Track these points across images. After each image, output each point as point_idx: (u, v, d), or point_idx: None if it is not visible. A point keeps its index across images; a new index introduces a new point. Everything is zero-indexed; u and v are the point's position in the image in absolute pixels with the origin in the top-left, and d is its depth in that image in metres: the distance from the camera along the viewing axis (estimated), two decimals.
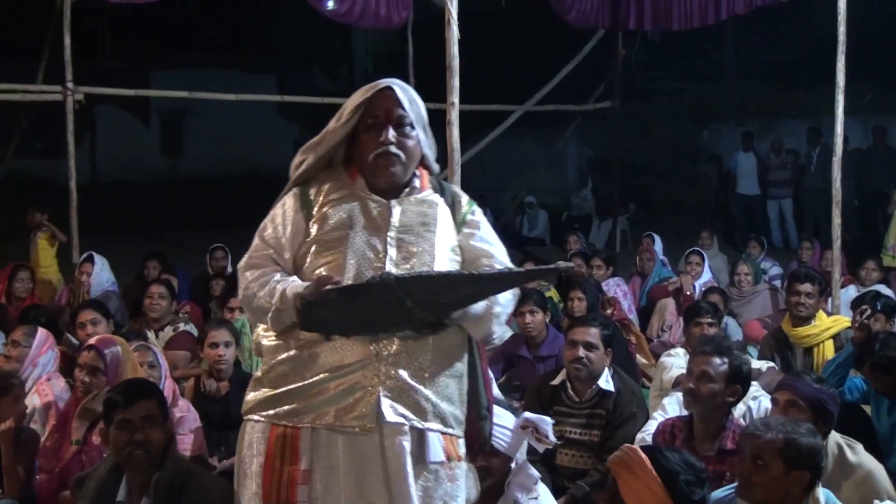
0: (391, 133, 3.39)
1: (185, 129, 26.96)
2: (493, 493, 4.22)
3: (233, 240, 12.20)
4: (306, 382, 3.30)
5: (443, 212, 3.52)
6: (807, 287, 6.74)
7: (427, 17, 12.32)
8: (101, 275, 9.33)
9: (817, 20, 15.57)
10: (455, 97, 6.10)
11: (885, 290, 8.78)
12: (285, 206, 3.51)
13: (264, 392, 3.39)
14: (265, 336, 3.48)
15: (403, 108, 3.42)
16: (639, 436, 5.22)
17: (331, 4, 11.66)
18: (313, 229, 3.42)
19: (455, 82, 6.10)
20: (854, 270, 9.92)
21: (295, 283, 3.32)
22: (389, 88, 3.42)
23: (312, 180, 3.53)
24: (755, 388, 5.40)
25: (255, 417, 3.39)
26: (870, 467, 4.42)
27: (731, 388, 4.59)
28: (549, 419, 4.22)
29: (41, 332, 6.13)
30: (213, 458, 5.64)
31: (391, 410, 3.25)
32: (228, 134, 24.42)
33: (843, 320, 6.90)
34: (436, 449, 3.33)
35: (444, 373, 3.37)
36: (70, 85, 10.50)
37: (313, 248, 3.40)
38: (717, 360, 4.59)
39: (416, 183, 3.53)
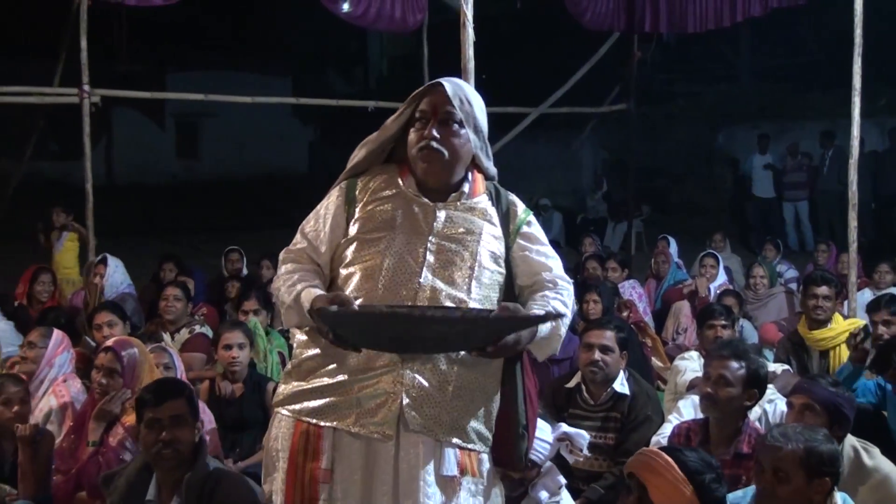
0: (435, 130, 3.31)
1: (200, 132, 27.04)
2: (517, 498, 4.22)
3: (248, 242, 12.27)
4: (332, 381, 3.27)
5: (492, 221, 3.43)
6: (823, 290, 6.72)
7: (442, 20, 12.36)
8: (114, 276, 9.35)
9: (833, 22, 15.57)
10: None
11: None
12: (329, 200, 3.49)
13: (293, 386, 3.37)
14: (298, 329, 3.46)
15: (452, 106, 3.33)
16: (654, 439, 5.21)
17: (346, 7, 11.68)
18: (353, 228, 3.38)
19: (470, 85, 6.10)
20: (870, 273, 9.87)
21: (310, 290, 3.29)
22: (441, 85, 3.36)
23: (364, 174, 3.50)
24: (771, 391, 5.38)
25: (283, 412, 3.37)
26: (886, 471, 4.39)
27: (748, 392, 4.58)
28: (586, 434, 4.23)
29: (56, 334, 6.16)
30: (227, 459, 5.66)
31: (412, 420, 3.21)
32: (244, 136, 24.48)
33: (859, 323, 6.87)
34: (450, 463, 3.27)
35: (470, 387, 3.30)
36: (86, 87, 10.54)
37: (353, 246, 3.36)
38: (735, 364, 4.58)
39: (467, 188, 3.44)
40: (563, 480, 4.30)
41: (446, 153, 3.33)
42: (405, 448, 3.22)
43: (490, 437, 3.39)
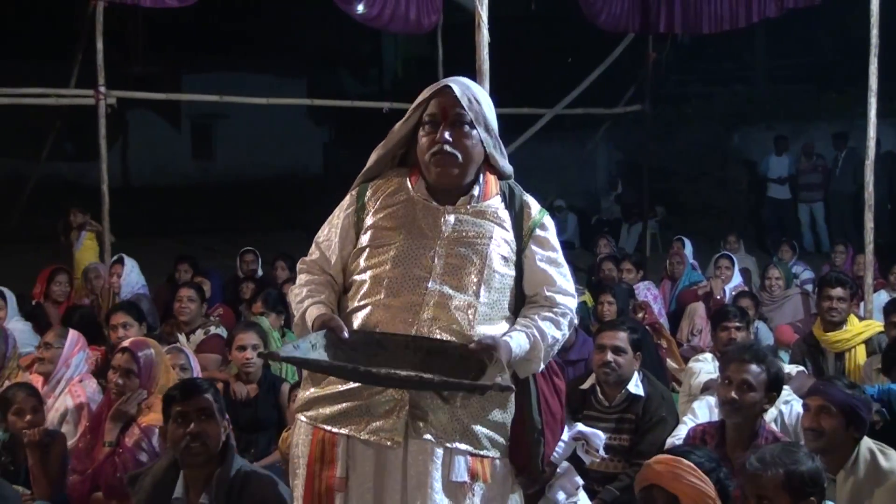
0: (447, 133, 3.27)
1: (215, 133, 27.14)
2: (534, 494, 4.22)
3: (263, 243, 12.30)
4: (344, 388, 3.27)
5: (504, 224, 3.40)
6: (838, 291, 6.69)
7: (457, 21, 12.34)
8: (130, 276, 9.39)
9: (849, 22, 15.49)
10: None
11: None
12: (341, 209, 3.50)
13: (310, 392, 3.38)
14: None
15: (462, 107, 3.29)
16: (669, 440, 5.20)
17: (360, 8, 11.69)
18: (364, 237, 3.38)
19: (485, 86, 6.08)
20: (886, 275, 9.84)
21: (314, 308, 3.32)
22: (448, 87, 3.33)
23: (376, 178, 3.49)
24: (786, 392, 5.36)
25: (302, 418, 3.38)
26: None
27: (768, 396, 4.56)
28: (602, 434, 4.21)
29: (72, 334, 6.19)
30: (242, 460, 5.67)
31: (421, 427, 3.21)
32: (258, 137, 24.54)
33: (874, 325, 6.85)
34: (459, 469, 3.24)
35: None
36: (102, 89, 10.59)
37: (364, 254, 3.36)
38: (757, 369, 4.54)
39: (477, 190, 3.40)
40: (580, 481, 4.30)
41: (460, 156, 3.30)
42: (413, 455, 3.21)
43: (505, 442, 3.37)
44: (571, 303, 3.44)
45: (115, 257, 9.83)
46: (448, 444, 3.23)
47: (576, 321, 3.54)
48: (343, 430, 3.25)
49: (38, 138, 12.64)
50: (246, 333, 6.35)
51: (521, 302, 3.43)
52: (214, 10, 19.61)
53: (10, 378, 6.28)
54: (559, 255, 3.48)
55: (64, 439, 5.26)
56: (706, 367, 6.24)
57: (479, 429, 3.28)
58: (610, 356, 5.46)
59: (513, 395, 3.37)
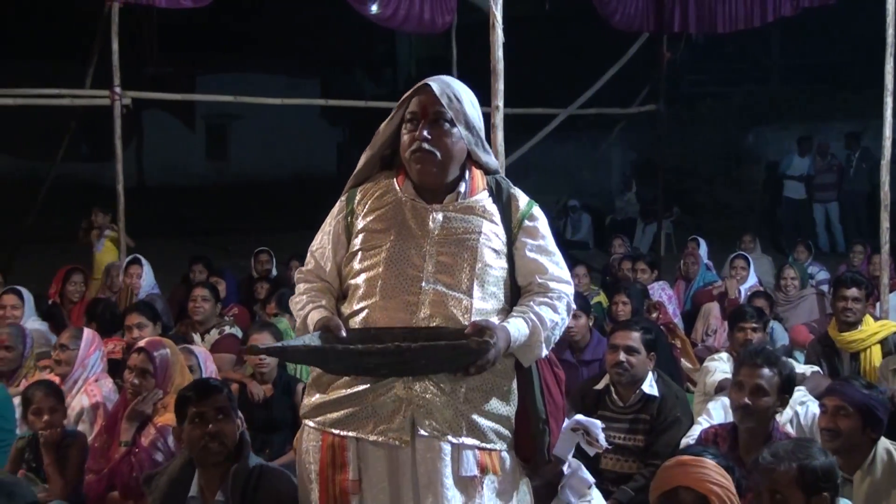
0: (425, 131, 3.32)
1: (230, 133, 27.19)
2: (546, 495, 4.21)
3: (277, 243, 12.32)
4: (349, 392, 3.30)
5: (492, 217, 3.43)
6: (853, 292, 6.67)
7: (471, 21, 12.34)
8: (146, 277, 9.43)
9: (865, 22, 15.43)
10: (500, 101, 6.09)
11: None
12: (332, 216, 3.54)
13: (316, 398, 3.40)
14: None
15: (441, 105, 3.33)
16: (683, 441, 5.19)
17: (375, 9, 11.70)
18: (356, 240, 3.42)
19: (500, 86, 6.09)
20: None
21: (314, 312, 3.37)
22: (428, 85, 3.36)
23: (366, 181, 3.53)
24: (802, 392, 5.35)
25: (310, 423, 3.41)
26: None
27: (781, 398, 4.55)
28: (599, 422, 4.19)
29: (87, 333, 6.22)
30: None
31: (426, 424, 3.23)
32: (273, 138, 24.58)
33: (890, 325, 6.82)
34: (469, 463, 3.28)
35: (483, 388, 3.32)
36: (118, 90, 10.60)
37: (357, 258, 3.40)
38: (769, 372, 4.54)
39: (464, 187, 3.44)
40: (591, 479, 4.28)
41: (439, 154, 3.34)
42: (422, 452, 3.24)
43: (510, 435, 3.41)
44: (567, 288, 3.47)
45: (129, 257, 9.85)
46: (454, 440, 3.26)
47: (573, 306, 3.55)
48: (352, 433, 3.28)
49: (54, 139, 12.66)
50: (260, 334, 6.36)
51: (517, 294, 3.46)
52: (229, 11, 19.64)
53: (28, 377, 6.31)
54: (550, 244, 3.50)
55: (84, 439, 5.29)
56: (722, 365, 6.23)
57: (483, 422, 3.31)
58: (622, 356, 5.45)
59: (515, 387, 3.43)
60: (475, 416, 3.29)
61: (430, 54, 24.21)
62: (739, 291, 9.21)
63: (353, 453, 3.28)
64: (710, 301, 9.21)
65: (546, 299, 3.39)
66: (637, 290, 8.53)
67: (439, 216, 3.38)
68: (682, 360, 7.61)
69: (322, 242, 3.53)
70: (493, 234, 3.40)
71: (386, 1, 11.67)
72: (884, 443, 4.43)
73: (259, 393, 6.22)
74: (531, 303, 3.38)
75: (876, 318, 7.20)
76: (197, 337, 7.64)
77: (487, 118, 6.16)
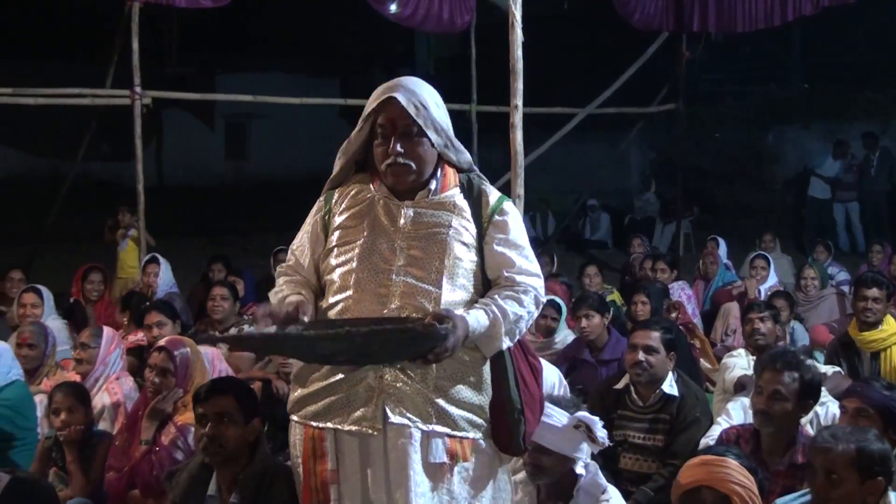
0: (398, 145, 3.41)
1: (249, 133, 27.27)
2: (556, 494, 4.21)
3: None
4: (325, 383, 3.42)
5: (462, 212, 3.51)
6: (874, 292, 6.64)
7: (490, 20, 12.34)
8: (164, 275, 9.47)
9: (886, 20, 15.36)
10: (518, 100, 6.10)
11: None
12: (311, 215, 3.67)
13: (297, 392, 3.53)
14: None
15: (409, 117, 3.40)
16: (703, 441, 5.18)
17: (394, 8, 11.71)
18: (332, 237, 3.53)
19: (519, 85, 6.10)
20: None
21: (294, 296, 3.47)
22: (393, 98, 3.42)
23: (343, 183, 3.64)
24: (822, 393, 5.32)
25: (294, 418, 3.53)
26: None
27: (802, 405, 4.50)
28: (597, 419, 4.19)
29: (107, 331, 6.27)
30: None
31: (396, 413, 3.33)
32: (292, 137, 24.63)
33: None
34: (438, 450, 3.37)
35: (453, 377, 3.41)
36: (138, 89, 10.66)
37: (332, 254, 3.51)
38: (787, 378, 4.49)
39: (434, 184, 3.53)
40: (605, 483, 4.27)
41: (413, 164, 3.44)
42: (392, 440, 3.35)
43: (484, 423, 3.49)
44: (534, 281, 3.52)
45: (148, 257, 9.90)
46: (424, 427, 3.36)
47: (542, 299, 3.58)
48: (329, 424, 3.40)
49: (75, 138, 12.72)
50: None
51: (489, 288, 3.54)
52: (248, 11, 19.73)
53: (49, 375, 6.35)
54: (520, 238, 3.56)
55: (110, 438, 5.31)
56: (741, 361, 6.23)
57: (454, 410, 3.40)
58: (641, 356, 5.44)
59: (488, 376, 3.50)
60: (445, 405, 3.38)
61: (448, 54, 24.17)
62: (759, 291, 9.18)
63: (330, 443, 3.41)
64: (730, 301, 9.17)
65: (512, 292, 3.46)
66: (657, 290, 8.51)
67: (410, 212, 3.48)
68: (701, 360, 7.59)
69: (302, 241, 3.66)
70: (462, 228, 3.48)
71: (405, 0, 11.67)
72: None
73: (284, 389, 6.24)
74: (496, 296, 3.45)
75: None
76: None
77: (506, 117, 6.19)
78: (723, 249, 10.85)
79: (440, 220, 3.47)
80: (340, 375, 3.38)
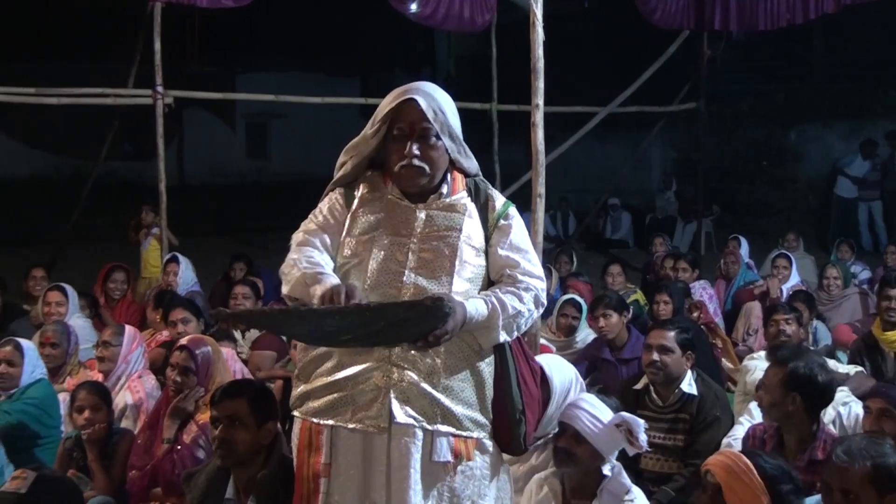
0: (415, 147, 3.48)
1: (270, 132, 27.35)
2: (585, 496, 4.19)
3: None
4: (329, 380, 3.44)
5: (472, 215, 3.58)
6: None
7: (510, 19, 12.34)
8: (185, 274, 9.51)
9: None
10: (539, 99, 6.09)
11: None
12: (332, 201, 3.66)
13: (300, 388, 3.55)
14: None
15: (428, 121, 3.48)
16: (725, 440, 5.16)
17: (414, 7, 11.72)
18: (352, 229, 3.56)
19: (540, 84, 6.08)
20: None
21: (325, 278, 3.43)
22: (414, 100, 3.49)
23: (355, 182, 3.67)
24: (845, 393, 5.31)
25: (295, 413, 3.56)
26: None
27: (790, 396, 4.40)
28: (643, 422, 4.16)
29: (129, 330, 6.30)
30: None
31: (401, 412, 3.36)
32: (313, 136, 24.64)
33: None
34: (442, 449, 3.42)
35: (458, 376, 3.46)
36: (160, 89, 10.72)
37: (346, 248, 3.55)
38: (775, 369, 4.50)
39: (445, 188, 3.60)
40: (628, 484, 4.25)
41: (427, 167, 3.51)
42: (396, 438, 3.37)
43: (487, 422, 3.54)
44: (537, 283, 3.58)
45: (168, 256, 9.94)
46: (430, 427, 3.40)
47: (543, 300, 3.63)
48: (329, 422, 3.42)
49: (97, 138, 12.78)
50: None
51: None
52: (269, 10, 19.75)
53: (72, 374, 6.39)
54: (524, 243, 3.65)
55: (132, 436, 5.34)
56: (761, 364, 6.18)
57: (459, 410, 3.44)
58: (656, 356, 5.44)
59: (491, 378, 3.55)
60: (450, 405, 3.42)
61: (469, 53, 24.14)
62: (781, 291, 9.13)
63: (326, 437, 3.43)
64: (751, 300, 9.13)
65: (513, 289, 3.53)
66: (678, 289, 8.48)
67: (422, 214, 3.55)
68: (723, 359, 7.56)
69: (326, 219, 3.62)
70: (472, 231, 3.55)
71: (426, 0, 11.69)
72: None
73: None
74: (497, 289, 3.52)
75: None
76: (238, 334, 7.69)
77: (527, 116, 6.18)
78: (744, 248, 10.80)
79: (452, 223, 3.54)
80: (345, 373, 3.40)
